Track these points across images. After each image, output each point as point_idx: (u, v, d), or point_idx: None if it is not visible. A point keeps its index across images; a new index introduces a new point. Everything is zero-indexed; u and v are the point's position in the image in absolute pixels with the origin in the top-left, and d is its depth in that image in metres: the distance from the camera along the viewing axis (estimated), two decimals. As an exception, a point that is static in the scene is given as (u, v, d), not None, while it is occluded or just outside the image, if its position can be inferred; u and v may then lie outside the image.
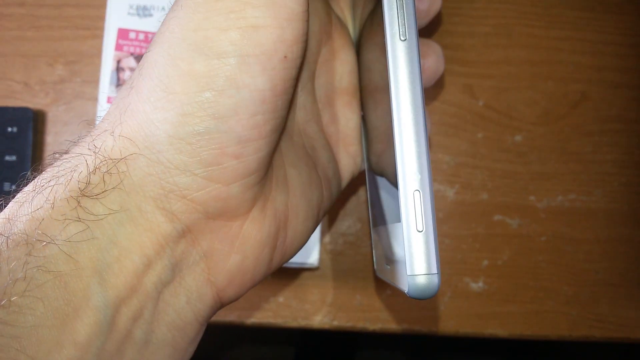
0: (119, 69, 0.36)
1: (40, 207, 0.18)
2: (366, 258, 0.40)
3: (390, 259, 0.22)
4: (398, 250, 0.20)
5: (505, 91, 0.42)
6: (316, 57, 0.26)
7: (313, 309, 0.40)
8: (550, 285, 0.41)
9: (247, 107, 0.19)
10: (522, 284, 0.41)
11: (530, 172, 0.41)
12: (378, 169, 0.25)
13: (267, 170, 0.21)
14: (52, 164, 0.19)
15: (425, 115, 0.18)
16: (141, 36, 0.36)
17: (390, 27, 0.18)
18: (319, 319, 0.40)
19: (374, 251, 0.29)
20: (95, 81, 0.41)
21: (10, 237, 0.17)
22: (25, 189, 0.19)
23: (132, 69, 0.36)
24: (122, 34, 0.36)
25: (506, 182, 0.41)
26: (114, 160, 0.18)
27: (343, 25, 0.29)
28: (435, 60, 0.27)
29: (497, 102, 0.42)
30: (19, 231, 0.17)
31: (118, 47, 0.36)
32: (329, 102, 0.27)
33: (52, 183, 0.18)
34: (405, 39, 0.18)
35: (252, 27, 0.18)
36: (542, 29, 0.42)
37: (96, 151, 0.19)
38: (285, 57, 0.19)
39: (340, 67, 0.27)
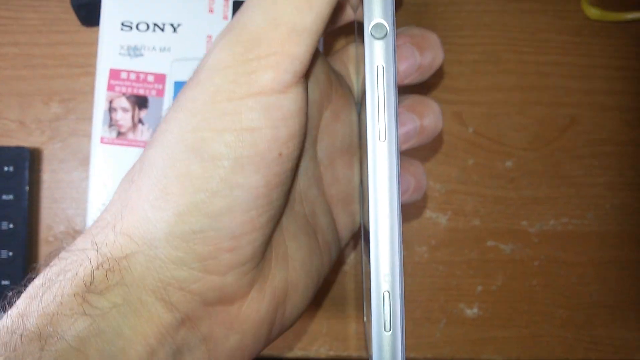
0: (111, 109, 0.37)
1: (50, 303, 0.19)
2: (361, 287, 0.41)
3: (368, 319, 0.23)
4: (369, 328, 0.21)
5: (495, 117, 0.42)
6: (318, 122, 0.26)
7: (309, 339, 0.40)
8: (545, 309, 0.41)
9: (241, 205, 0.20)
10: (516, 309, 0.41)
11: (522, 197, 0.42)
12: None
13: (263, 255, 0.22)
14: (58, 256, 0.21)
15: (400, 217, 0.19)
16: (132, 76, 0.37)
17: (371, 128, 0.19)
18: (315, 349, 0.40)
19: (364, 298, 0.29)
20: (89, 118, 0.41)
21: (24, 334, 0.18)
22: (35, 282, 0.20)
23: (124, 109, 0.37)
24: (114, 74, 0.37)
25: (498, 207, 0.41)
26: (116, 259, 0.20)
27: (343, 84, 0.29)
28: (434, 120, 0.27)
29: (487, 128, 0.42)
30: (32, 327, 0.18)
31: (110, 88, 0.37)
32: (331, 163, 0.27)
33: (60, 278, 0.20)
34: (385, 140, 0.19)
35: (246, 130, 0.19)
36: (530, 54, 0.42)
37: (98, 249, 0.20)
38: (280, 154, 0.20)
39: (342, 128, 0.28)
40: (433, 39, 0.26)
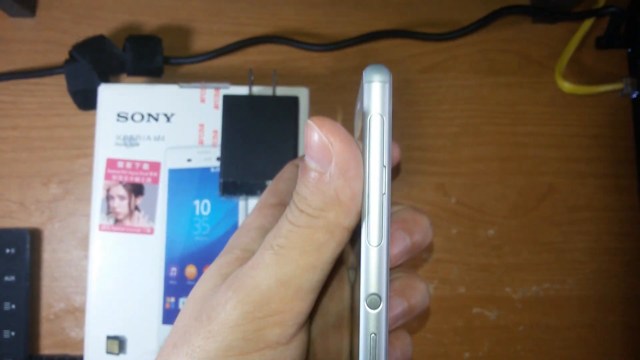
0: (108, 197, 0.39)
1: None
2: None
3: None
4: None
5: (476, 187, 0.44)
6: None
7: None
8: (530, 373, 0.42)
9: None
10: (503, 373, 0.42)
11: (505, 264, 0.43)
12: None
13: None
14: None
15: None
16: (129, 165, 0.39)
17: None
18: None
19: None
20: (87, 199, 0.43)
21: None
22: None
23: (121, 197, 0.38)
24: (111, 163, 0.39)
25: (482, 275, 0.43)
26: None
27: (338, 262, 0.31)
28: (421, 300, 0.28)
29: (468, 198, 0.44)
30: None
31: (107, 177, 0.39)
32: (323, 339, 0.29)
33: None
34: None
35: None
36: (508, 126, 0.44)
37: None
38: None
39: (335, 306, 0.29)
40: (424, 222, 0.27)
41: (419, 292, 0.27)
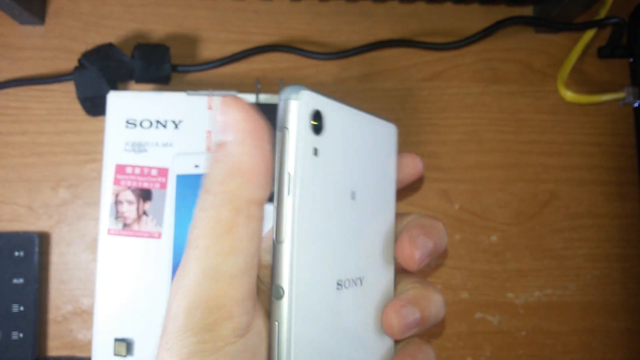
0: (117, 202, 0.39)
1: None
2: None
3: None
4: None
5: (479, 194, 0.44)
6: None
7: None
8: (532, 378, 0.43)
9: None
10: (505, 378, 0.43)
11: (507, 270, 0.44)
12: None
13: None
14: None
15: None
16: (137, 170, 0.39)
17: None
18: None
19: None
20: (95, 203, 0.44)
21: None
22: None
23: (129, 202, 0.39)
24: (120, 169, 0.39)
25: (485, 281, 0.44)
26: None
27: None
28: (436, 309, 0.28)
29: (471, 205, 0.44)
30: None
31: (116, 182, 0.39)
32: None
33: None
34: None
35: None
36: (511, 133, 0.45)
37: None
38: None
39: None
40: (440, 226, 0.28)
41: (434, 303, 0.27)
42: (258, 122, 0.21)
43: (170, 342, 0.21)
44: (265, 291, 0.23)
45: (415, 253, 0.27)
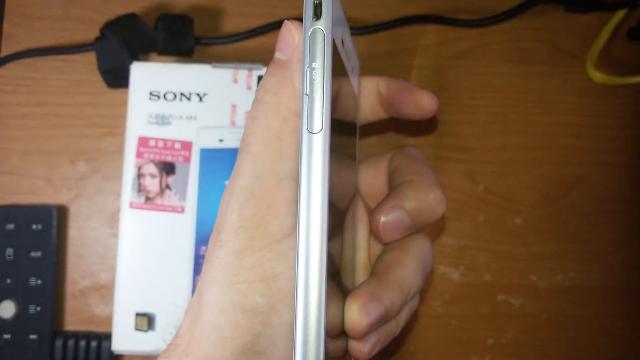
0: (139, 176, 0.39)
1: None
2: None
3: None
4: None
5: (504, 176, 0.44)
6: None
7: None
8: (553, 361, 0.43)
9: (281, 340, 0.23)
10: (526, 361, 0.42)
11: (531, 253, 0.43)
12: None
13: None
14: None
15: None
16: (160, 143, 0.39)
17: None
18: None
19: None
20: (115, 177, 0.43)
21: None
22: None
23: (152, 175, 0.38)
24: (142, 141, 0.39)
25: (508, 263, 0.43)
26: None
27: None
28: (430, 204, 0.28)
29: (496, 186, 0.44)
30: None
31: (139, 155, 0.39)
32: None
33: None
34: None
35: (271, 277, 0.22)
36: (537, 115, 0.44)
37: None
38: None
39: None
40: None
41: (429, 200, 0.27)
42: None
43: (222, 240, 0.23)
44: None
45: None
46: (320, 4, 0.21)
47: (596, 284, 0.43)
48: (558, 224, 0.43)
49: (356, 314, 0.24)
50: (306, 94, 0.21)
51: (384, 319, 0.25)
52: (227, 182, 0.39)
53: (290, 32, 0.23)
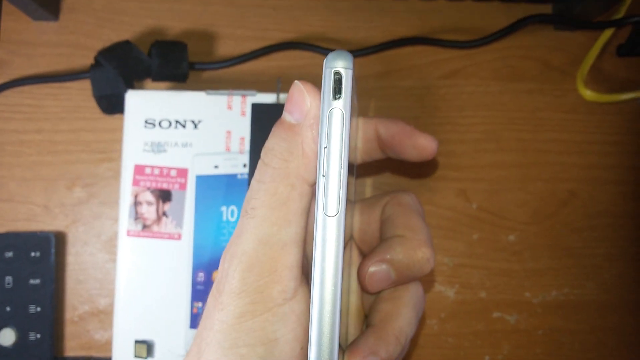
0: (136, 203, 0.39)
1: None
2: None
3: None
4: None
5: (497, 193, 0.44)
6: None
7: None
8: (549, 376, 0.43)
9: None
10: (523, 377, 0.43)
11: (525, 269, 0.44)
12: None
13: None
14: None
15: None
16: (156, 171, 0.39)
17: None
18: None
19: None
20: (112, 202, 0.44)
21: None
22: None
23: (148, 203, 0.39)
24: (139, 169, 0.39)
25: (503, 280, 0.44)
26: None
27: None
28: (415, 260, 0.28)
29: (489, 204, 0.44)
30: None
31: (135, 182, 0.39)
32: None
33: None
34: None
35: (273, 340, 0.22)
36: (529, 132, 0.45)
37: None
38: (301, 348, 0.23)
39: None
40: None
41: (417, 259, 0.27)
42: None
43: (224, 302, 0.23)
44: (308, 266, 0.25)
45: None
46: (340, 81, 0.21)
47: (590, 299, 0.44)
48: (551, 240, 0.44)
49: None
50: (323, 175, 0.21)
51: None
52: (222, 208, 0.39)
53: (301, 95, 0.22)
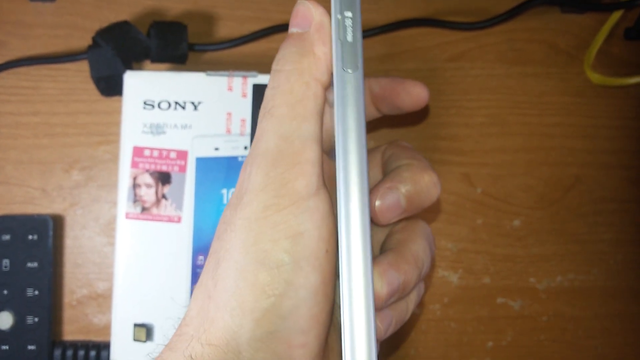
0: (135, 185, 0.38)
1: None
2: None
3: None
4: None
5: (502, 178, 0.44)
6: None
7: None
8: (553, 363, 0.43)
9: (305, 302, 0.22)
10: (526, 363, 0.43)
11: (530, 254, 0.43)
12: None
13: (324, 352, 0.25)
14: None
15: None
16: (155, 153, 0.38)
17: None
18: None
19: None
20: (110, 185, 0.43)
21: None
22: None
23: (148, 185, 0.38)
24: (137, 151, 0.38)
25: (507, 265, 0.43)
26: None
27: None
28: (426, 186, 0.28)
29: (494, 188, 0.43)
30: None
31: (134, 165, 0.38)
32: None
33: None
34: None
35: (298, 234, 0.22)
36: (535, 116, 0.44)
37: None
38: (326, 251, 0.23)
39: None
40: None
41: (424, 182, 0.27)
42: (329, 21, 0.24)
43: (246, 201, 0.23)
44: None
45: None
46: None
47: (595, 285, 0.43)
48: (556, 225, 0.43)
49: (377, 282, 0.24)
50: (339, 39, 0.22)
51: (401, 291, 0.25)
52: (223, 191, 0.39)
53: (308, 9, 0.24)
